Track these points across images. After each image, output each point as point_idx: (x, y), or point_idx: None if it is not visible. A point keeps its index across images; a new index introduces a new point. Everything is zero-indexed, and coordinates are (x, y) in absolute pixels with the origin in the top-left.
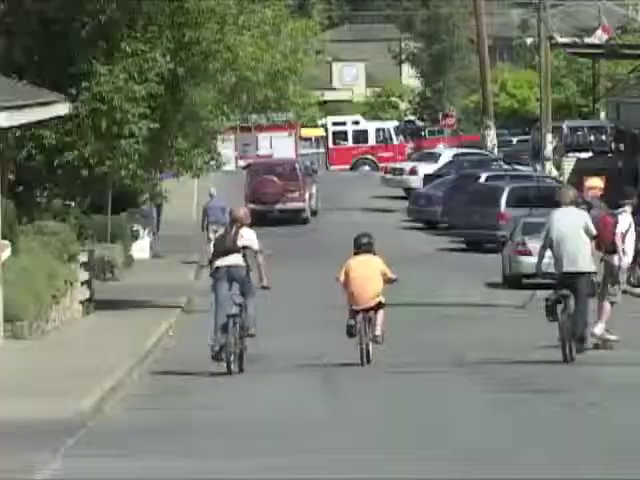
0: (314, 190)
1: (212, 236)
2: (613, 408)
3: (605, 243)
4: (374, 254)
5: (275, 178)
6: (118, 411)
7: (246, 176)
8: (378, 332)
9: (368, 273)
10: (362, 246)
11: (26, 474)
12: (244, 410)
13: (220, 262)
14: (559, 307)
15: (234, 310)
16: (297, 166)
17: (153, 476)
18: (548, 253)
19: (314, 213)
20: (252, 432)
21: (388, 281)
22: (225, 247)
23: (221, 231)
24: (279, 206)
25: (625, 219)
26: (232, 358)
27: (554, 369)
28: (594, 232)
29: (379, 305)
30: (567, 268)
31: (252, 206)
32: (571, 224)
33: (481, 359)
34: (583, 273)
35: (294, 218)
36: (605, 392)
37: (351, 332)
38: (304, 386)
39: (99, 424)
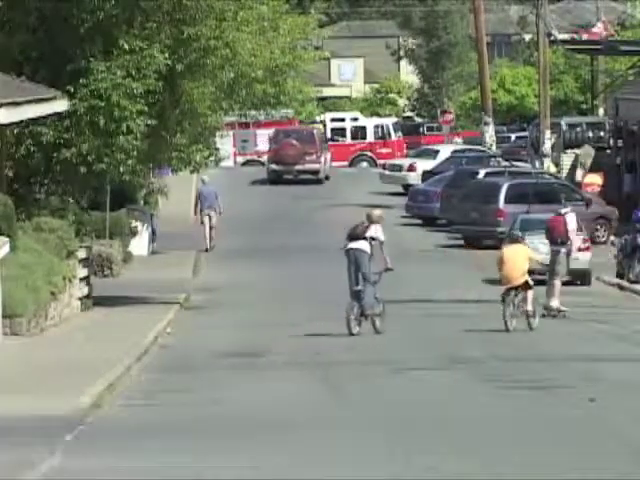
0: (328, 156)
1: (206, 220)
2: (612, 404)
3: (560, 237)
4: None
5: (295, 142)
6: (116, 408)
7: (270, 140)
8: (530, 307)
9: (515, 258)
10: (513, 238)
11: (24, 470)
12: (244, 407)
13: (350, 244)
14: None
15: (359, 287)
16: (315, 132)
17: (152, 473)
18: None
19: (327, 177)
20: (252, 429)
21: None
22: (356, 233)
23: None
24: (298, 167)
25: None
26: (353, 324)
27: (553, 365)
28: None
29: (527, 285)
30: None
31: (274, 166)
32: None
33: (480, 356)
34: None
35: (310, 179)
36: (604, 388)
37: (504, 300)
38: (306, 383)
39: (97, 421)
